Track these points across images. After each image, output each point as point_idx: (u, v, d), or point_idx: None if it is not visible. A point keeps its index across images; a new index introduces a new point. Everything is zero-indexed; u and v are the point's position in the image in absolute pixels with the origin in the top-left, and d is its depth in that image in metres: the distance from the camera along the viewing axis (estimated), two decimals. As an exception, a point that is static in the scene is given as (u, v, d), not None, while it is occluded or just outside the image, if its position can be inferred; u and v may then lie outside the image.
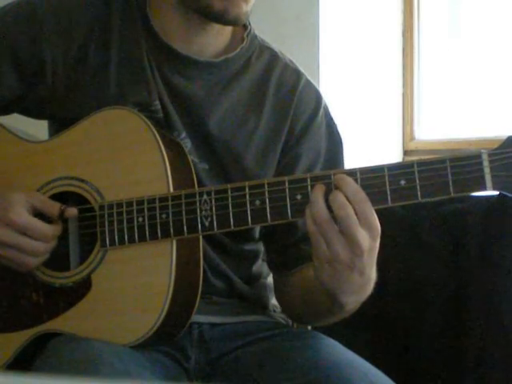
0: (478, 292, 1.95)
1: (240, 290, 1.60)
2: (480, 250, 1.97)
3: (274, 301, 1.69)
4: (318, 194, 1.31)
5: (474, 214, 1.98)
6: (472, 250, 1.97)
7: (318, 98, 1.63)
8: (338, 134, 1.63)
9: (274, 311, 1.67)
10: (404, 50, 3.21)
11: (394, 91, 3.19)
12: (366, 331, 2.04)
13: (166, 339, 1.47)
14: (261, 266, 1.66)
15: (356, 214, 1.29)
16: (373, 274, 1.36)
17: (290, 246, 1.56)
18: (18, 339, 1.48)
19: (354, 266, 1.31)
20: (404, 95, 3.20)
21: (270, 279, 1.70)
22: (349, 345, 1.52)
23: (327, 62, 2.92)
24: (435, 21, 3.22)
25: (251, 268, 1.63)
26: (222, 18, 1.50)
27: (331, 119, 1.63)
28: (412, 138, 3.20)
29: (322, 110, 1.62)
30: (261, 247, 1.65)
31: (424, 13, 3.20)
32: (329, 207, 1.30)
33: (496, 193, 1.95)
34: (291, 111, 1.59)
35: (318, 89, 1.64)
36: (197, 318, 1.52)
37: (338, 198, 1.29)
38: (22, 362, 1.47)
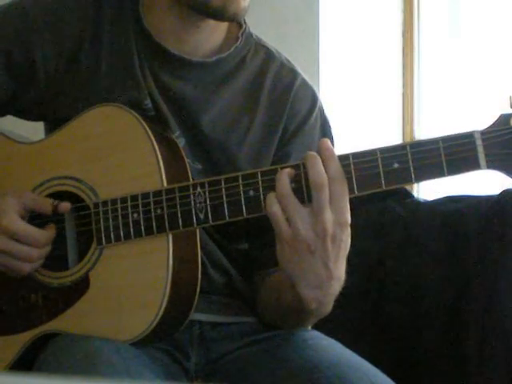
0: (478, 292, 1.95)
1: (240, 288, 1.60)
2: (480, 250, 1.97)
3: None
4: (284, 173, 1.30)
5: (473, 214, 1.99)
6: (471, 250, 1.97)
7: (314, 98, 1.62)
8: (332, 136, 1.62)
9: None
10: (404, 49, 3.21)
11: (394, 91, 3.20)
12: (365, 332, 2.04)
13: (166, 336, 1.47)
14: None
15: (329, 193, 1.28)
16: (340, 273, 1.33)
17: (273, 244, 1.56)
18: (19, 341, 1.48)
19: (316, 249, 1.28)
20: (404, 95, 3.21)
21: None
22: (349, 345, 1.52)
23: (327, 62, 2.92)
24: (435, 21, 3.22)
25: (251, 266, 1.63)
26: (220, 15, 1.49)
27: (326, 121, 1.63)
28: (412, 138, 3.20)
29: (316, 111, 1.61)
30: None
31: (424, 13, 3.20)
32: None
33: (496, 192, 1.96)
34: (286, 110, 1.58)
35: (314, 89, 1.64)
36: (198, 316, 1.52)
37: (318, 166, 1.28)
38: (24, 364, 1.47)
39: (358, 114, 3.01)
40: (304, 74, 1.64)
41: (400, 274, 2.04)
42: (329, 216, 1.27)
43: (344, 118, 2.73)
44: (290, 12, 2.94)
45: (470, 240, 1.97)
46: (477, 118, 3.09)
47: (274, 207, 1.30)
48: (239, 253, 1.60)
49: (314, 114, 1.60)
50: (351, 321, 1.70)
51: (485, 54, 3.10)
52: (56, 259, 1.48)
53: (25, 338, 1.48)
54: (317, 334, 1.57)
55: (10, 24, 1.56)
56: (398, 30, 3.20)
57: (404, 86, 3.21)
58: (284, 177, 1.30)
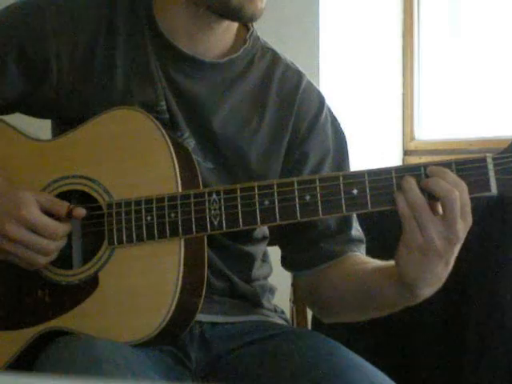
0: (478, 292, 1.95)
1: (241, 290, 1.61)
2: (480, 250, 1.97)
3: (274, 301, 1.69)
4: (412, 181, 1.32)
5: (473, 214, 1.98)
6: (472, 250, 1.97)
7: (321, 97, 1.65)
8: (343, 132, 1.65)
9: (275, 311, 1.68)
10: (404, 50, 3.21)
11: (394, 91, 3.20)
12: (365, 332, 2.04)
13: (170, 339, 1.48)
14: (261, 266, 1.67)
15: None
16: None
17: (309, 245, 1.58)
18: (24, 337, 1.48)
19: (445, 254, 1.33)
20: (404, 95, 3.21)
21: (270, 280, 1.70)
22: (348, 345, 1.52)
23: (327, 62, 2.92)
24: (435, 21, 3.22)
25: (251, 268, 1.64)
26: (238, 15, 1.50)
27: (335, 118, 1.65)
28: (412, 138, 3.20)
29: (325, 109, 1.63)
30: (261, 248, 1.66)
31: (424, 13, 3.21)
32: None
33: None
34: (294, 110, 1.60)
35: (319, 90, 1.66)
36: (198, 316, 1.52)
37: (444, 183, 1.31)
38: (26, 360, 1.47)
39: (358, 114, 3.02)
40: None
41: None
42: (461, 225, 1.32)
43: (344, 118, 2.73)
44: (290, 12, 2.94)
45: (470, 239, 1.97)
46: (477, 118, 3.09)
47: (408, 213, 1.32)
48: (242, 253, 1.61)
49: (324, 113, 1.63)
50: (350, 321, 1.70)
51: (485, 53, 3.10)
52: (64, 257, 1.48)
53: (28, 334, 1.48)
54: (317, 334, 1.57)
55: (24, 21, 1.56)
56: (398, 30, 3.20)
57: (404, 85, 3.21)
58: (414, 186, 1.32)
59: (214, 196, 1.40)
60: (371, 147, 3.03)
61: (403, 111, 3.21)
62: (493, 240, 1.96)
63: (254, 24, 1.64)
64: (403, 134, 3.21)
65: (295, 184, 1.37)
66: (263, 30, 1.67)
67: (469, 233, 1.97)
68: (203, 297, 1.45)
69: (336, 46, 2.97)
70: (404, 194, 1.32)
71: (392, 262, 1.41)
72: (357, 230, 1.60)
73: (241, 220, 1.39)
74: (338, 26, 3.00)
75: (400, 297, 1.42)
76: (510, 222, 1.94)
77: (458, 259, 2.00)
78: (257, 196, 1.39)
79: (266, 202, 1.38)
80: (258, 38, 1.64)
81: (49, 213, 1.46)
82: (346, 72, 3.01)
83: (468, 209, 1.32)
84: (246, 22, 1.56)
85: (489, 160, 1.31)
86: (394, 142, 3.19)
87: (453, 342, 1.98)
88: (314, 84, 1.66)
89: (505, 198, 1.94)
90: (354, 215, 1.61)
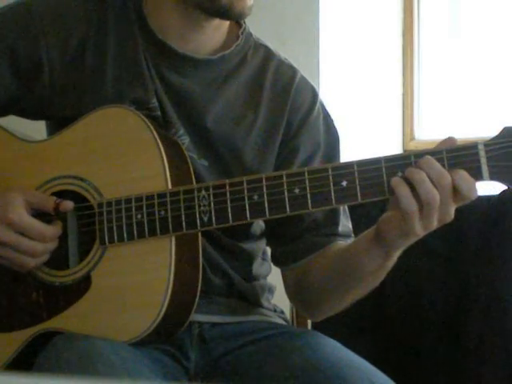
0: (478, 292, 1.95)
1: (240, 289, 1.61)
2: (480, 250, 1.97)
3: (274, 301, 1.69)
4: (423, 173, 1.30)
5: (473, 213, 1.98)
6: (472, 250, 1.97)
7: (314, 92, 1.64)
8: (335, 128, 1.65)
9: (275, 311, 1.67)
10: (404, 49, 3.21)
11: (394, 91, 3.19)
12: (365, 331, 2.04)
13: (166, 337, 1.48)
14: (260, 265, 1.66)
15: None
16: None
17: (294, 238, 1.58)
18: (19, 338, 1.48)
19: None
20: (404, 95, 3.20)
21: (269, 279, 1.70)
22: (348, 345, 1.52)
23: (327, 62, 2.92)
24: (435, 21, 3.22)
25: (251, 267, 1.64)
26: (227, 13, 1.50)
27: (328, 114, 1.65)
28: (412, 138, 3.20)
29: (318, 105, 1.63)
30: (260, 246, 1.66)
31: (424, 13, 3.20)
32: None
33: (496, 192, 1.96)
34: (288, 105, 1.60)
35: (312, 84, 1.66)
36: (197, 317, 1.52)
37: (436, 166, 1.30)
38: (23, 362, 1.47)
39: (358, 114, 3.02)
40: (304, 73, 1.66)
41: (400, 273, 2.04)
42: (453, 206, 1.31)
43: (344, 118, 2.73)
44: (290, 12, 2.94)
45: (470, 240, 1.97)
46: (477, 118, 3.09)
47: (414, 205, 1.30)
48: (242, 250, 1.61)
49: (316, 107, 1.63)
50: (351, 320, 1.70)
51: (485, 53, 3.10)
52: (57, 258, 1.48)
53: (24, 335, 1.48)
54: (316, 333, 1.57)
55: (15, 23, 1.57)
56: (398, 29, 3.20)
57: (404, 85, 3.20)
58: (427, 179, 1.30)
59: (203, 192, 1.40)
60: (371, 147, 3.03)
61: (403, 111, 3.21)
62: (493, 240, 1.96)
63: (254, 24, 1.64)
64: (403, 134, 3.21)
65: (284, 177, 1.37)
66: (263, 30, 1.68)
67: (469, 233, 1.98)
68: (198, 294, 1.45)
69: (336, 46, 2.97)
70: (416, 186, 1.29)
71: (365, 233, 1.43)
72: (345, 226, 1.59)
73: (230, 215, 1.39)
74: (338, 25, 3.00)
75: (377, 258, 1.42)
76: (511, 222, 1.94)
77: (459, 259, 2.00)
78: (246, 190, 1.38)
79: (256, 197, 1.37)
80: (251, 34, 1.64)
81: (38, 210, 1.46)
82: (346, 72, 3.01)
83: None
84: (235, 19, 1.56)
85: (480, 147, 1.29)
86: (394, 142, 3.18)
87: (453, 341, 1.97)
88: (311, 82, 1.66)
89: (505, 198, 1.94)
90: (346, 211, 1.60)
